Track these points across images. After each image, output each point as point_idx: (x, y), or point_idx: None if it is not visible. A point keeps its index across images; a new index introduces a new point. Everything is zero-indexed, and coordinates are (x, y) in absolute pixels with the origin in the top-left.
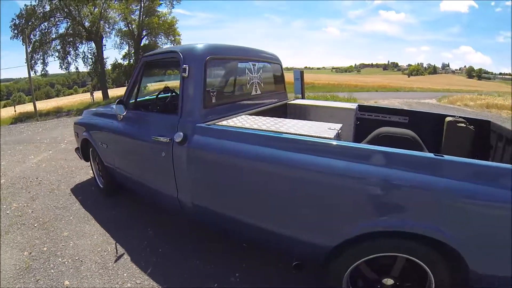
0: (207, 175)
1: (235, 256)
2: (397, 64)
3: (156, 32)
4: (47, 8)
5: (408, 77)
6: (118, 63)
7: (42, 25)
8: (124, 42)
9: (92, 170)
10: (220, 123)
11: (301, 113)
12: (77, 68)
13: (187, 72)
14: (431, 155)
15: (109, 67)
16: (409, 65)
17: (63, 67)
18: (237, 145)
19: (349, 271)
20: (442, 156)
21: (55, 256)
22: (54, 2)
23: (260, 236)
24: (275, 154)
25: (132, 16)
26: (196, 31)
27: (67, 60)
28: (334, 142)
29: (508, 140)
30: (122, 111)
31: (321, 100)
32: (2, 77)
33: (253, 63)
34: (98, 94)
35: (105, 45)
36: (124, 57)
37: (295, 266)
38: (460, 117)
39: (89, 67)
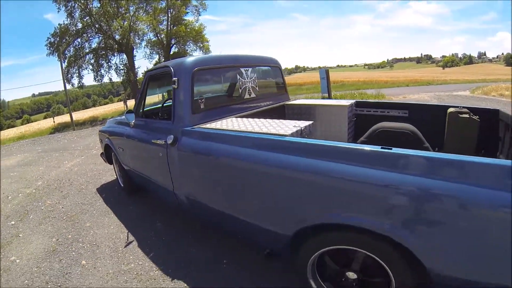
0: (192, 171)
1: (227, 246)
2: (430, 56)
3: (184, 40)
4: (79, 25)
5: (443, 69)
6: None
7: (75, 41)
8: (154, 52)
9: (115, 172)
10: (204, 126)
11: (299, 113)
12: (110, 79)
13: (176, 83)
14: (378, 148)
15: (141, 76)
16: (443, 56)
17: (96, 79)
18: (211, 144)
19: (311, 261)
20: (390, 148)
21: (77, 242)
22: (85, 19)
23: (236, 225)
24: (239, 152)
25: (160, 26)
26: (225, 35)
27: (100, 72)
28: (286, 139)
29: None
30: (132, 119)
31: (318, 99)
32: (42, 91)
33: (245, 69)
34: (131, 102)
35: (135, 55)
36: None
37: (266, 254)
38: (464, 107)
39: (121, 78)
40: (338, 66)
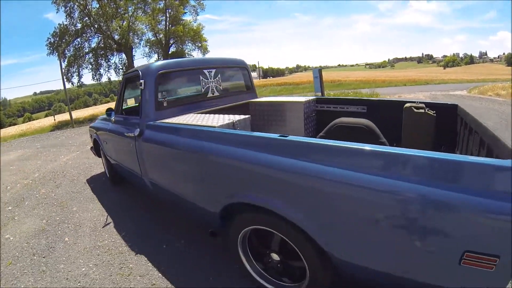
0: (152, 159)
1: (186, 227)
2: (431, 56)
3: (183, 40)
4: (79, 26)
5: (444, 69)
6: None
7: (75, 41)
8: (153, 51)
9: (103, 165)
10: (163, 121)
11: (261, 109)
12: (109, 79)
13: (143, 85)
14: (276, 136)
15: None
16: (445, 56)
17: (95, 78)
18: (163, 135)
19: (240, 238)
20: (286, 136)
21: (63, 223)
22: (84, 20)
23: (184, 205)
24: (180, 141)
25: (159, 26)
26: (225, 35)
27: (99, 72)
28: (212, 129)
29: (470, 129)
30: (112, 116)
31: (280, 96)
32: (44, 90)
33: (208, 70)
34: (131, 101)
35: (134, 55)
36: None
37: (210, 233)
38: (421, 102)
39: (120, 77)
40: (339, 65)
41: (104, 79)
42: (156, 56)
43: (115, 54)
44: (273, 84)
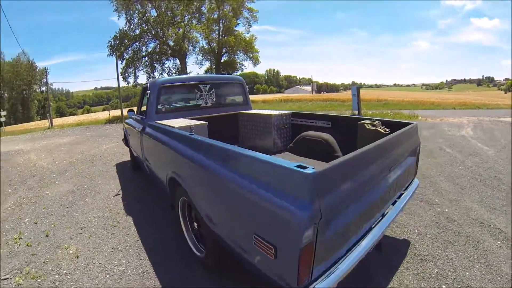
0: (148, 148)
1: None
2: (492, 78)
3: (234, 50)
4: (137, 31)
5: (505, 93)
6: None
7: (134, 44)
8: (205, 59)
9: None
10: (159, 122)
11: (247, 120)
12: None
13: (149, 94)
14: (187, 133)
15: None
16: (507, 79)
17: (149, 80)
18: (152, 131)
19: (179, 207)
20: (192, 134)
21: (87, 190)
22: (142, 25)
23: (158, 180)
24: (157, 135)
25: (213, 35)
26: (283, 47)
27: (153, 74)
28: (169, 129)
29: None
30: (132, 114)
31: (263, 110)
32: (104, 85)
33: (203, 85)
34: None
35: (187, 61)
36: (206, 72)
37: (171, 206)
38: (377, 120)
39: None
40: (395, 85)
41: None
42: (208, 64)
43: (169, 59)
44: (320, 100)
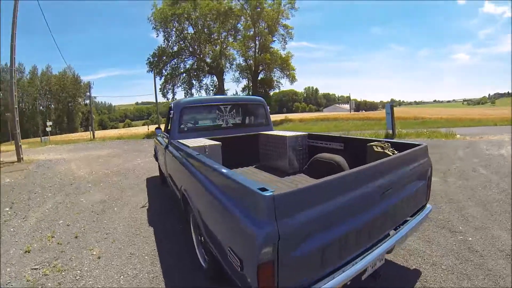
0: (170, 163)
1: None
2: None
3: (270, 67)
4: (175, 48)
5: None
6: (238, 95)
7: (172, 61)
8: (242, 76)
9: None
10: (180, 141)
11: (266, 140)
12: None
13: (172, 114)
14: (195, 153)
15: None
16: None
17: (187, 96)
18: (173, 149)
19: (190, 217)
20: (199, 154)
21: (117, 200)
22: (180, 43)
23: (175, 194)
24: (175, 153)
25: (250, 53)
26: (321, 63)
27: (191, 91)
28: (185, 148)
29: None
30: (159, 132)
31: (279, 130)
32: (145, 100)
33: (224, 106)
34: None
35: (224, 78)
36: (243, 89)
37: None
38: (386, 142)
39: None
40: (434, 101)
41: (195, 97)
42: (245, 81)
43: (207, 76)
44: (356, 118)
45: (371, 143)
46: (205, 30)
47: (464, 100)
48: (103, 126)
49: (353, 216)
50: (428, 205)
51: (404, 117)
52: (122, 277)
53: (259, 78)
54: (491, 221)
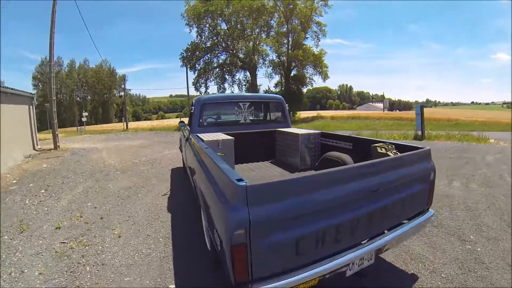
0: (189, 154)
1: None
2: None
3: (303, 64)
4: (208, 43)
5: None
6: (270, 90)
7: (206, 56)
8: (275, 72)
9: None
10: (199, 134)
11: (281, 137)
12: (232, 92)
13: (193, 110)
14: (205, 146)
15: (262, 93)
16: None
17: (219, 91)
18: (195, 141)
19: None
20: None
21: (142, 188)
22: (213, 38)
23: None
24: (193, 145)
25: (282, 49)
26: (355, 61)
27: (224, 86)
28: (201, 142)
29: None
30: (183, 125)
31: (295, 128)
32: (179, 93)
33: (243, 103)
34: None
35: (257, 73)
36: (276, 85)
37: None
38: (391, 143)
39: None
40: (472, 103)
41: (227, 92)
42: (278, 77)
43: (240, 71)
44: (388, 118)
45: (375, 144)
46: (238, 26)
47: (504, 103)
48: (136, 118)
49: (332, 213)
50: (430, 210)
51: (437, 118)
52: (137, 254)
53: (291, 75)
54: (507, 233)
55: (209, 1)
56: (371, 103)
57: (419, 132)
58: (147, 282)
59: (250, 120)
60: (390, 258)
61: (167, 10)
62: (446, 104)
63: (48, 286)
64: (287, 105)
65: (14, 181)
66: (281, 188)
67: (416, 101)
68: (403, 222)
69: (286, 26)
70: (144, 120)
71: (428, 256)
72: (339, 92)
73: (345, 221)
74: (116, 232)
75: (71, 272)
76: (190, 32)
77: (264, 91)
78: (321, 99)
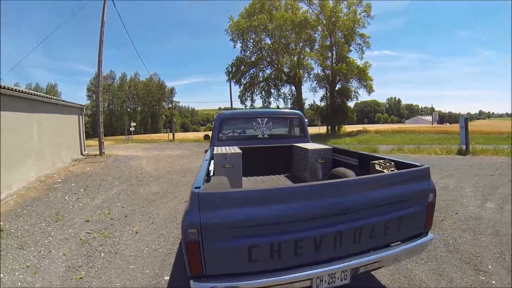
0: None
1: None
2: None
3: (347, 77)
4: (253, 58)
5: None
6: (316, 104)
7: (251, 70)
8: (319, 86)
9: None
10: (217, 147)
11: (296, 151)
12: (278, 107)
13: (214, 124)
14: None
15: (307, 107)
16: None
17: (264, 104)
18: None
19: None
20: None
21: (169, 193)
22: (258, 53)
23: None
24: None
25: (327, 62)
26: (403, 72)
27: (269, 100)
28: (215, 155)
29: None
30: (208, 138)
31: (310, 143)
32: (227, 106)
33: (261, 119)
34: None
35: (302, 88)
36: (321, 99)
37: None
38: (390, 160)
39: (288, 106)
40: None
41: (272, 105)
42: (323, 91)
43: (285, 85)
44: (433, 132)
45: (374, 161)
46: (282, 40)
47: None
48: (185, 129)
49: (290, 227)
50: (429, 234)
51: (488, 131)
52: (146, 248)
53: (336, 88)
54: None
55: (252, 17)
56: (419, 116)
57: (463, 147)
58: (147, 271)
59: (268, 135)
60: (385, 280)
61: (216, 25)
62: (500, 115)
63: (69, 265)
64: (331, 121)
65: (59, 180)
66: (233, 198)
67: (468, 112)
68: (392, 244)
69: (329, 39)
70: (192, 131)
71: (429, 283)
72: (387, 106)
73: (306, 237)
74: (134, 229)
75: (88, 256)
76: (234, 47)
77: (309, 105)
78: (369, 112)
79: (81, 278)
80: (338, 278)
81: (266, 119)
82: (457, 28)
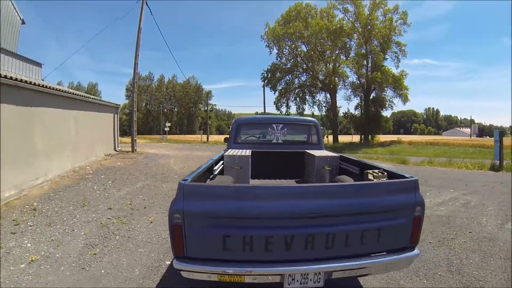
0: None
1: None
2: None
3: (382, 86)
4: (289, 65)
5: None
6: (350, 113)
7: (287, 76)
8: (354, 94)
9: None
10: (233, 149)
11: (307, 158)
12: (312, 114)
13: (231, 129)
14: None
15: (342, 115)
16: None
17: (298, 111)
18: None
19: None
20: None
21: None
22: (293, 60)
23: None
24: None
25: (362, 71)
26: (445, 82)
27: (303, 106)
28: (225, 156)
29: None
30: (227, 141)
31: (321, 151)
32: (259, 111)
33: (276, 125)
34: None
35: (336, 95)
36: (356, 108)
37: None
38: (384, 171)
39: (322, 113)
40: None
41: (306, 112)
42: (357, 99)
43: (320, 92)
44: (469, 145)
45: (368, 170)
46: (318, 47)
47: None
48: (220, 131)
49: (263, 223)
50: (415, 250)
51: None
52: (156, 236)
53: (371, 97)
54: None
55: (288, 24)
56: (457, 128)
57: (497, 162)
58: (153, 255)
59: (282, 140)
60: None
61: (255, 31)
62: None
63: (87, 243)
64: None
65: (91, 172)
66: (212, 192)
67: (501, 126)
68: (374, 254)
69: (365, 47)
70: (228, 134)
71: None
72: (424, 116)
73: (276, 234)
74: (150, 219)
75: (105, 237)
76: (270, 53)
77: (343, 113)
78: (406, 123)
79: (94, 254)
80: (311, 280)
81: (281, 125)
82: (504, 35)
